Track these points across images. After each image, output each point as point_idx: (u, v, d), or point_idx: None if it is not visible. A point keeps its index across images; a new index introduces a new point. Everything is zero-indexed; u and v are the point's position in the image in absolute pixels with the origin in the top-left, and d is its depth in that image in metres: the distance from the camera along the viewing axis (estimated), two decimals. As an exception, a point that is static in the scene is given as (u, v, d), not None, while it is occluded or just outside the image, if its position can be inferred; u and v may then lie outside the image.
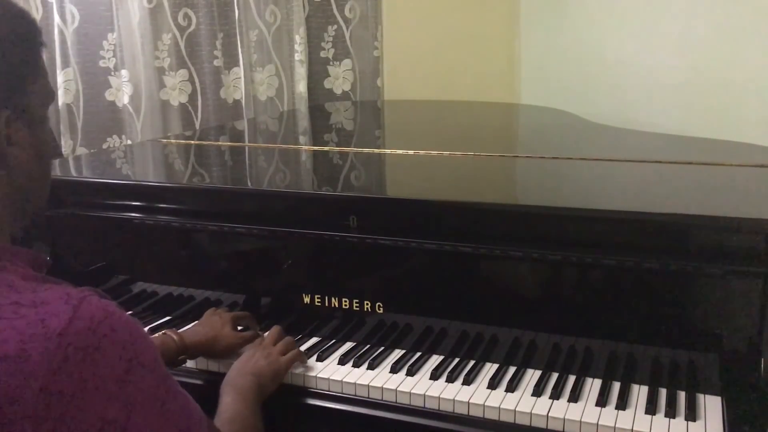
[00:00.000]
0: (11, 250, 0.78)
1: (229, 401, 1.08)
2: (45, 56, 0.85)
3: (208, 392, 1.27)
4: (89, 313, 0.70)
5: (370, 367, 1.24)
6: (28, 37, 0.81)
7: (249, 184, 1.65)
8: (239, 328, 1.34)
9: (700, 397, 1.12)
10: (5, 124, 0.77)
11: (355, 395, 1.20)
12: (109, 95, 2.47)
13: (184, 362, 1.27)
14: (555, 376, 1.19)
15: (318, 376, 1.23)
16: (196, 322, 1.36)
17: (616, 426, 1.06)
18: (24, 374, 0.66)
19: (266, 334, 1.31)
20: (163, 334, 1.25)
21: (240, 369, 1.18)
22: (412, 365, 1.23)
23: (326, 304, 1.34)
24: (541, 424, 1.09)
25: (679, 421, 1.06)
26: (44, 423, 0.66)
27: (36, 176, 0.84)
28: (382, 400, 1.18)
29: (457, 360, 1.25)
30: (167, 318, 1.47)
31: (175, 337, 1.24)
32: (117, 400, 0.70)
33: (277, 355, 1.22)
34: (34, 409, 0.65)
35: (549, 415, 1.09)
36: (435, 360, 1.26)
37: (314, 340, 1.35)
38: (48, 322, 0.68)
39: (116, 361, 0.71)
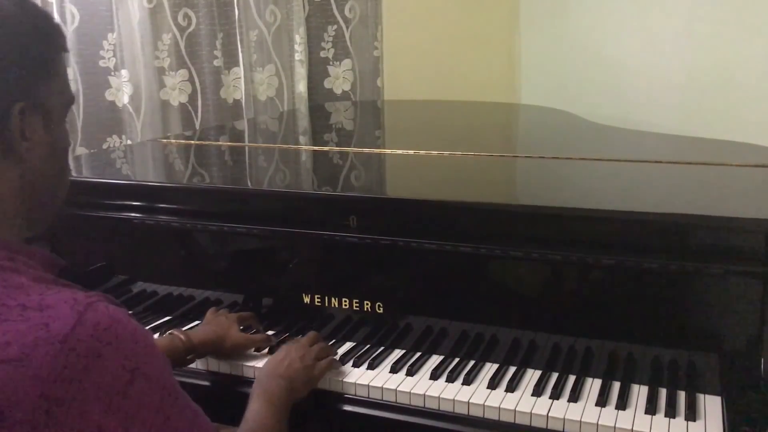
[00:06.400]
0: (26, 249, 0.78)
1: (256, 408, 1.06)
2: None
3: (215, 394, 1.28)
4: (94, 320, 0.69)
5: (370, 367, 1.24)
6: (47, 35, 0.82)
7: (249, 184, 1.65)
8: (241, 328, 1.34)
9: (700, 397, 1.12)
10: (19, 117, 0.77)
11: (355, 395, 1.20)
12: (109, 95, 2.47)
13: (193, 362, 1.26)
14: (555, 376, 1.19)
15: (318, 376, 1.23)
16: (201, 322, 1.35)
17: (616, 426, 1.06)
18: (25, 378, 0.65)
19: (301, 336, 1.29)
20: (170, 334, 1.25)
21: (272, 370, 1.15)
22: (412, 365, 1.23)
23: (326, 304, 1.34)
24: (541, 424, 1.09)
25: (679, 421, 1.06)
26: (42, 429, 0.65)
27: (51, 173, 0.83)
28: (382, 399, 1.19)
29: (457, 360, 1.25)
30: (167, 318, 1.47)
31: (182, 336, 1.24)
32: (118, 411, 0.69)
33: (313, 359, 1.19)
34: (33, 414, 0.65)
35: (549, 415, 1.09)
36: (435, 360, 1.26)
37: (314, 340, 1.35)
38: (51, 327, 0.67)
39: (119, 371, 0.69)
